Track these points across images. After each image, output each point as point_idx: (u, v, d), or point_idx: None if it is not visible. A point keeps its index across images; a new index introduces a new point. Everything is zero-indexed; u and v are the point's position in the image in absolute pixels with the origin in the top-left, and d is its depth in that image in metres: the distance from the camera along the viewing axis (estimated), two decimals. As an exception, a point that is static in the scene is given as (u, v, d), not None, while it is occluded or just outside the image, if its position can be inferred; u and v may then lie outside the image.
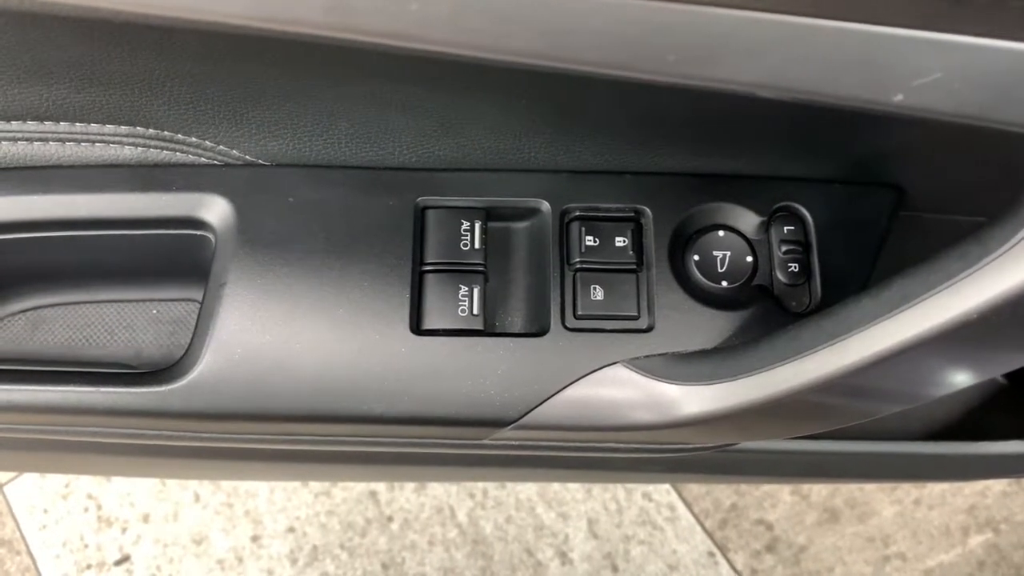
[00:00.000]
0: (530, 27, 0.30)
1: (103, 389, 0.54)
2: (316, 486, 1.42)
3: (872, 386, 0.48)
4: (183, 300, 0.62)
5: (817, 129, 0.55)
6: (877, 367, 0.44)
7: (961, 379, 0.49)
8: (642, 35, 0.30)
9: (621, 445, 0.58)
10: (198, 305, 0.58)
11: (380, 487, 1.43)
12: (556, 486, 1.43)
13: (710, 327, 0.54)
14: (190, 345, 0.54)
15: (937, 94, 0.31)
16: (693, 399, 0.51)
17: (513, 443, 0.56)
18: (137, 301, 0.62)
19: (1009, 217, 0.40)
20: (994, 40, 0.30)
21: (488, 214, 0.56)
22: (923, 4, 0.28)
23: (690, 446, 0.61)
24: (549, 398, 0.53)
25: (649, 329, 0.54)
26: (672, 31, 0.30)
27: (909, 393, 0.51)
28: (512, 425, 0.53)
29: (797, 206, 0.56)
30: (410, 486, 1.43)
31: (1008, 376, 0.94)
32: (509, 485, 1.43)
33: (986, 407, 0.90)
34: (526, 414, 0.53)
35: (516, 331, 0.55)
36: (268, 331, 0.53)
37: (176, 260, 0.58)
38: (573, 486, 1.43)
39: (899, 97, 0.31)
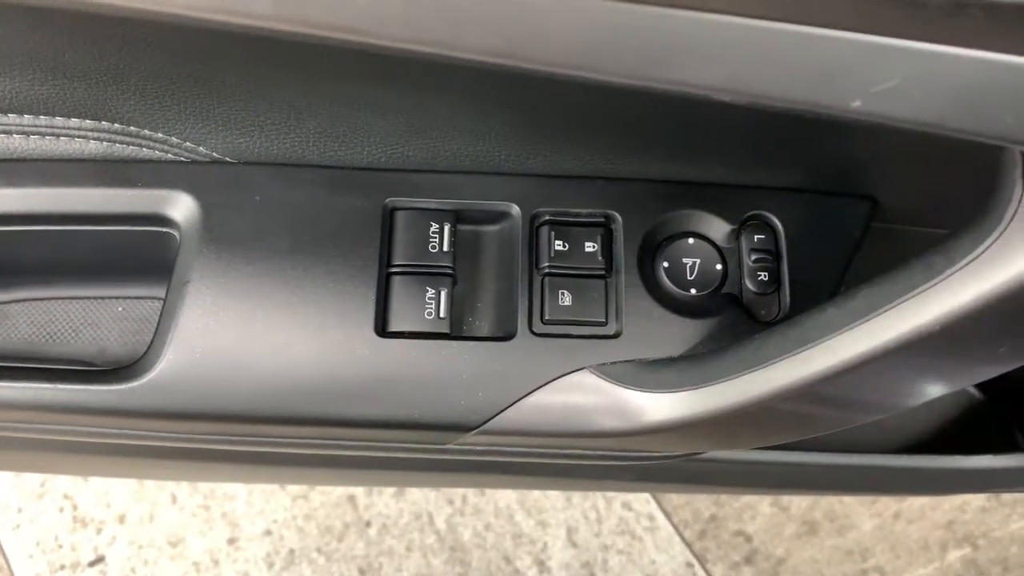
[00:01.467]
0: (485, 24, 0.30)
1: (62, 386, 0.53)
2: (294, 489, 1.41)
3: (838, 396, 0.48)
4: (149, 298, 0.61)
5: (787, 137, 0.55)
6: (842, 377, 0.44)
7: (929, 390, 0.48)
8: (598, 35, 0.30)
9: (588, 452, 0.57)
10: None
11: (359, 491, 1.42)
12: (536, 494, 1.43)
13: (678, 334, 0.53)
14: (151, 343, 0.53)
15: (895, 101, 0.31)
16: (659, 406, 0.51)
17: (479, 448, 0.56)
18: (102, 298, 0.61)
19: (973, 229, 0.40)
20: (952, 47, 0.29)
21: (458, 217, 0.55)
22: (881, 9, 0.28)
23: (658, 454, 0.60)
24: (514, 403, 0.52)
25: (617, 335, 0.53)
26: (629, 32, 0.30)
27: (876, 403, 0.51)
28: (477, 430, 0.53)
29: (768, 215, 0.56)
30: (389, 491, 1.42)
31: (984, 390, 0.94)
32: (488, 492, 1.42)
33: (964, 421, 0.90)
34: (491, 419, 0.52)
35: (483, 335, 0.54)
36: (231, 330, 0.53)
37: (141, 257, 0.58)
38: (553, 494, 1.43)
39: (857, 103, 0.31)
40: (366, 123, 0.54)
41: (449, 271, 0.54)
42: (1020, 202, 0.38)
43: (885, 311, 0.41)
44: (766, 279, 0.55)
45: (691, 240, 0.55)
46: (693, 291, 0.55)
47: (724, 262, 0.55)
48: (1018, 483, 0.79)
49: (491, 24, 0.30)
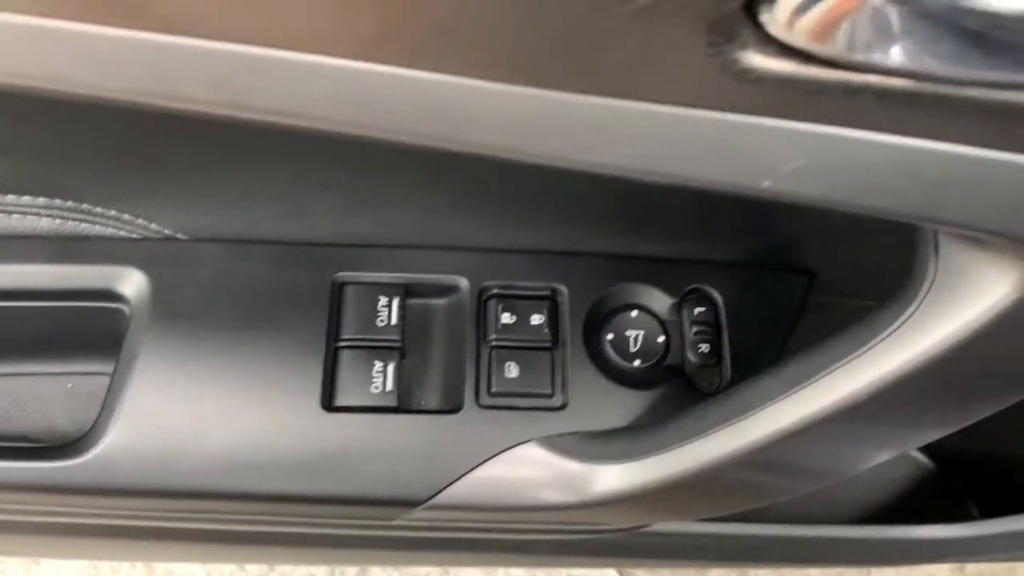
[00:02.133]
0: (423, 113, 0.31)
1: (6, 464, 0.53)
2: (255, 570, 1.38)
3: (778, 463, 0.49)
4: (99, 374, 0.61)
5: (727, 213, 0.57)
6: (778, 444, 0.45)
7: (867, 456, 0.49)
8: (517, 120, 0.31)
9: (539, 526, 0.58)
10: None
11: (320, 572, 1.39)
12: (501, 572, 1.40)
13: (623, 406, 0.54)
14: (97, 419, 0.53)
15: (804, 181, 0.32)
16: (604, 478, 0.51)
17: (429, 524, 0.56)
18: (51, 374, 0.61)
19: (893, 302, 0.41)
20: (851, 130, 0.31)
21: (407, 290, 0.56)
22: (784, 95, 0.30)
23: (609, 527, 0.60)
24: (461, 477, 0.52)
25: (563, 407, 0.54)
26: (549, 117, 0.31)
27: (817, 470, 0.51)
28: (424, 505, 0.53)
29: (709, 288, 0.57)
30: (352, 571, 1.39)
31: (937, 459, 0.95)
32: (452, 571, 1.40)
33: (918, 491, 0.91)
34: (438, 493, 0.52)
35: (430, 408, 0.54)
36: (178, 405, 0.53)
37: (92, 333, 0.58)
38: (518, 571, 1.41)
39: (767, 183, 0.32)
40: (316, 200, 0.55)
41: (397, 344, 0.54)
42: (934, 277, 0.39)
43: (816, 380, 0.43)
44: (707, 351, 0.56)
45: (635, 313, 0.57)
46: (637, 363, 0.56)
47: (667, 334, 0.57)
48: (973, 552, 0.79)
49: (425, 114, 0.31)
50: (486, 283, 0.56)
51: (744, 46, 0.28)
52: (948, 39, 0.27)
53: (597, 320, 0.56)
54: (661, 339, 0.56)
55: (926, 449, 0.95)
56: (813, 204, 0.34)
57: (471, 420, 0.53)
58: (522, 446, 0.53)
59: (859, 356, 0.41)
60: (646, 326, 0.57)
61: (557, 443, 0.53)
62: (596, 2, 0.27)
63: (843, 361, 0.41)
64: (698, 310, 0.57)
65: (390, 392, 0.53)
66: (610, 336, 0.56)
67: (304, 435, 0.52)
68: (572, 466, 0.52)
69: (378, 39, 0.29)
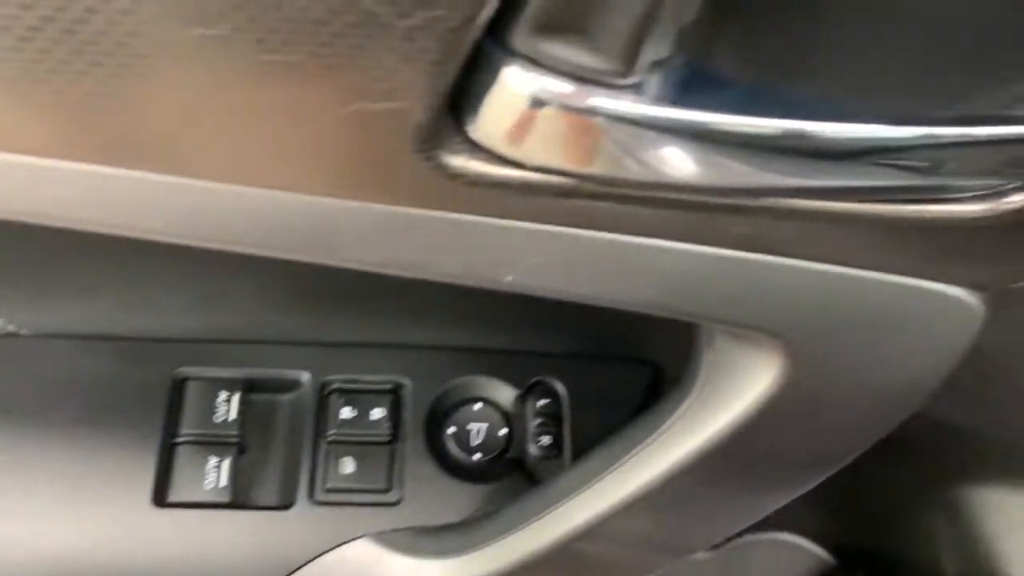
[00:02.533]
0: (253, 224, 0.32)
1: None
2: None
3: (601, 547, 0.49)
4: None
5: (568, 304, 0.58)
6: (588, 534, 0.45)
7: (691, 538, 0.49)
8: (260, 222, 0.32)
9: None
10: None
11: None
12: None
13: (461, 500, 0.54)
14: None
15: (546, 276, 0.34)
16: (432, 573, 0.51)
17: None
18: None
19: (676, 392, 0.42)
20: (578, 230, 0.32)
21: (249, 385, 0.56)
22: (505, 195, 0.31)
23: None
24: (291, 575, 0.52)
25: (399, 502, 0.54)
26: (289, 219, 0.32)
27: (650, 549, 0.51)
28: (254, 604, 0.52)
29: (553, 380, 0.58)
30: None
31: (837, 554, 0.95)
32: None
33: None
34: (267, 591, 0.52)
35: (264, 504, 0.54)
36: (10, 504, 0.52)
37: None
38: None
39: (510, 278, 0.34)
40: (159, 294, 0.56)
41: (235, 440, 0.54)
42: (708, 369, 0.40)
43: (614, 469, 0.43)
44: (549, 443, 0.56)
45: (478, 405, 0.57)
46: (478, 456, 0.56)
47: (510, 427, 0.57)
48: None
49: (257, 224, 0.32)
50: (329, 377, 0.57)
51: (453, 151, 0.29)
52: (637, 144, 0.29)
53: (440, 413, 0.57)
54: (503, 432, 0.57)
55: (827, 545, 0.95)
56: (566, 298, 0.35)
57: (303, 516, 0.53)
58: (354, 542, 0.52)
59: (647, 447, 0.42)
60: (489, 419, 0.57)
61: (389, 539, 0.52)
62: (317, 104, 0.28)
63: (634, 452, 0.42)
64: (542, 402, 0.57)
65: (224, 488, 0.53)
66: (452, 430, 0.56)
67: (135, 533, 0.52)
68: (402, 562, 0.52)
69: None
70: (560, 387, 0.58)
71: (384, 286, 0.57)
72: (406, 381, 0.57)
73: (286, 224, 0.32)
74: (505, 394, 0.58)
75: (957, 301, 0.36)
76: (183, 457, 0.54)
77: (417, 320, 0.58)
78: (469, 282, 0.34)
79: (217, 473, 0.53)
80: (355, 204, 0.31)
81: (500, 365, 0.58)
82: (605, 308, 0.58)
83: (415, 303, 0.58)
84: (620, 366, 0.59)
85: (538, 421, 0.57)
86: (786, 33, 0.31)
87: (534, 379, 0.58)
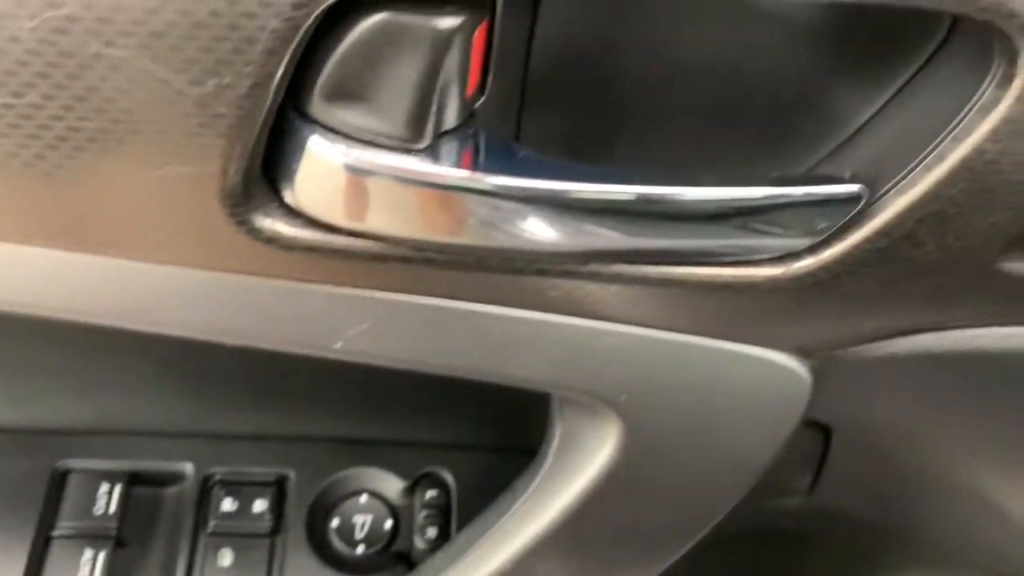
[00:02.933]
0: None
1: None
2: None
3: None
4: None
5: (455, 394, 0.58)
6: None
7: None
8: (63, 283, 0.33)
9: None
10: None
11: None
12: None
13: (341, 593, 0.53)
14: None
15: (371, 343, 0.35)
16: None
17: None
18: None
19: (532, 465, 0.43)
20: (401, 295, 0.34)
21: (132, 478, 0.55)
22: (348, 265, 0.32)
23: None
24: (160, 672, 0.50)
25: None
26: (96, 280, 0.33)
27: None
28: None
29: (442, 471, 0.58)
30: None
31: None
32: None
33: None
34: None
35: None
36: None
37: None
38: None
39: (339, 344, 0.35)
40: (40, 385, 0.56)
41: (112, 533, 0.53)
42: (559, 439, 0.41)
43: (475, 549, 0.43)
44: (435, 535, 0.56)
45: (364, 497, 0.57)
46: (361, 549, 0.55)
47: (396, 519, 0.56)
48: None
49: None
50: (212, 469, 0.56)
51: (268, 215, 0.31)
52: (440, 211, 0.30)
53: (324, 505, 0.56)
54: (389, 524, 0.56)
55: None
56: (397, 366, 0.36)
57: None
58: (227, 637, 0.51)
59: (503, 523, 0.42)
60: (374, 511, 0.56)
61: (263, 633, 0.51)
62: (128, 169, 0.29)
63: (492, 529, 0.42)
64: (430, 493, 0.57)
65: None
66: (336, 522, 0.56)
67: (-2, 631, 0.50)
68: (276, 657, 0.50)
69: None
70: (449, 478, 0.58)
71: (270, 375, 0.57)
72: (290, 473, 0.56)
73: (111, 290, 0.33)
74: (392, 486, 0.57)
75: (782, 367, 0.37)
76: (57, 551, 0.52)
77: (303, 410, 0.58)
78: (299, 350, 0.35)
79: (91, 567, 0.52)
80: (178, 270, 0.32)
81: (387, 456, 0.58)
82: (493, 397, 0.59)
83: (301, 393, 0.58)
84: (510, 456, 0.59)
85: (425, 513, 0.56)
86: (577, 109, 0.33)
87: (423, 470, 0.58)
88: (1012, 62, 0.26)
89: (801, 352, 0.37)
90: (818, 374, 0.38)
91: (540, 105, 0.33)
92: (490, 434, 0.60)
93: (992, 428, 0.45)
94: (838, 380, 0.39)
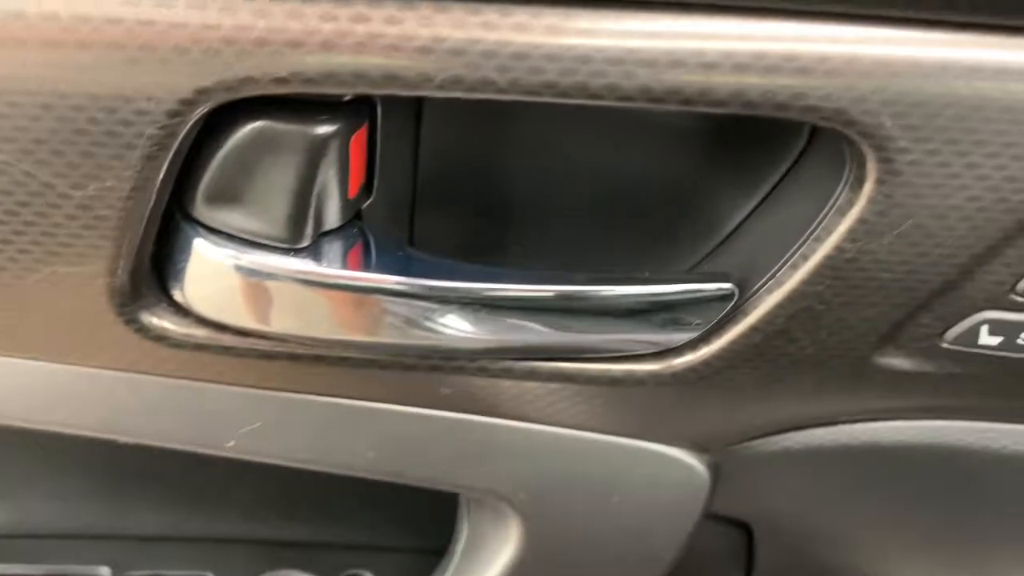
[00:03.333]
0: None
1: None
2: None
3: None
4: None
5: (384, 496, 0.58)
6: None
7: None
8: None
9: None
10: None
11: None
12: None
13: None
14: None
15: (263, 441, 0.35)
16: None
17: None
18: None
19: (444, 559, 0.42)
20: (292, 393, 0.34)
21: (44, 583, 0.54)
22: (215, 358, 0.33)
23: None
24: None
25: None
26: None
27: None
28: None
29: (363, 573, 0.57)
30: None
31: None
32: None
33: None
34: None
35: None
36: None
37: None
38: None
39: (231, 442, 0.35)
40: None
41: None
42: (466, 541, 0.41)
43: None
44: (355, 637, 0.54)
45: (284, 600, 0.55)
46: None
47: (316, 622, 0.55)
48: None
49: None
50: (129, 572, 0.55)
51: (157, 314, 0.31)
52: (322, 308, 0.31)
53: (243, 608, 0.55)
54: (308, 627, 0.55)
55: None
56: (290, 464, 0.36)
57: None
58: None
59: None
60: (295, 613, 0.55)
61: None
62: (14, 269, 0.30)
63: None
64: (352, 595, 0.56)
65: None
66: (254, 624, 0.54)
67: None
68: None
69: None
70: (371, 579, 0.57)
71: (189, 475, 0.57)
72: (209, 575, 0.55)
73: (3, 389, 0.33)
74: (313, 588, 0.56)
75: (678, 462, 0.38)
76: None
77: (222, 511, 0.57)
78: (193, 448, 0.35)
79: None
80: (70, 368, 0.33)
81: (307, 558, 0.57)
82: (414, 498, 0.59)
83: (220, 493, 0.57)
84: (432, 557, 0.58)
85: (345, 614, 0.55)
86: (469, 212, 0.34)
87: (345, 572, 0.57)
88: (862, 166, 0.28)
89: (697, 447, 0.38)
90: (718, 469, 0.38)
91: (432, 208, 0.34)
92: (412, 535, 0.59)
93: (894, 521, 0.45)
94: (741, 475, 0.40)
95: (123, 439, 0.35)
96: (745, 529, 0.51)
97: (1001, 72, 0.26)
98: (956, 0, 0.25)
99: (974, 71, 0.26)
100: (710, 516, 0.44)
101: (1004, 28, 0.26)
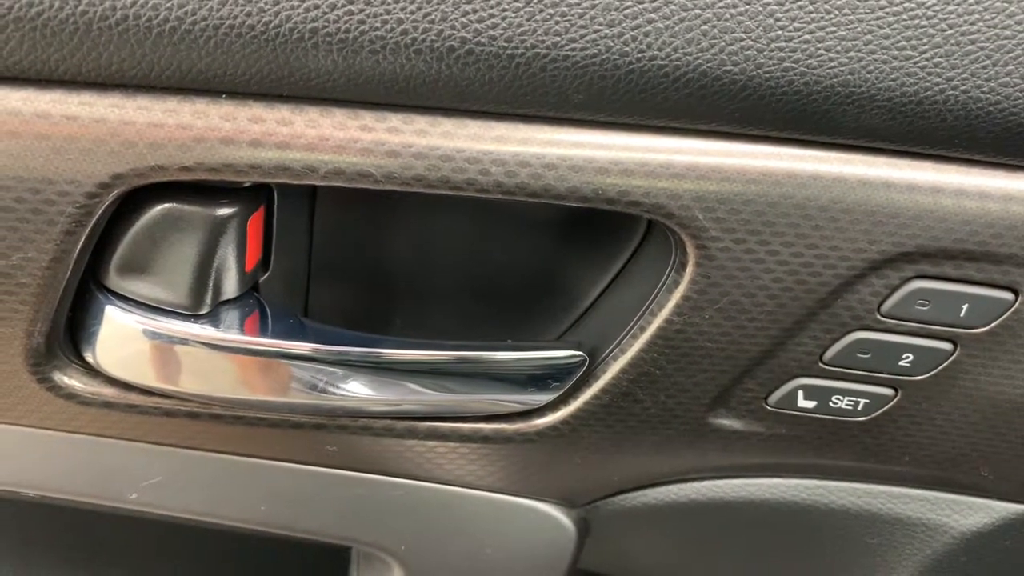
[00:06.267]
0: None
1: None
2: None
3: None
4: None
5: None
6: None
7: None
8: None
9: None
10: None
11: None
12: None
13: None
14: None
15: (163, 494, 0.38)
16: None
17: None
18: None
19: None
20: (190, 450, 0.37)
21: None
22: (122, 416, 0.36)
23: None
24: None
25: None
26: None
27: None
28: None
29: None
30: None
31: None
32: None
33: None
34: None
35: None
36: None
37: None
38: None
39: (134, 495, 0.38)
40: None
41: None
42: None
43: None
44: None
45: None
46: None
47: None
48: None
49: None
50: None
51: (68, 373, 0.34)
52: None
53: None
54: None
55: None
56: (187, 520, 0.39)
57: None
58: None
59: None
60: None
61: None
62: None
63: None
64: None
65: None
66: None
67: None
68: None
69: None
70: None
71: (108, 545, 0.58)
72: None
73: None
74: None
75: (547, 516, 0.42)
76: None
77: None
78: (96, 501, 0.38)
79: None
80: (-18, 425, 0.35)
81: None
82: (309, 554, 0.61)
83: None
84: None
85: None
86: (359, 287, 0.39)
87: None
88: (683, 252, 0.33)
89: (564, 502, 0.42)
90: (587, 524, 0.42)
91: (325, 282, 0.38)
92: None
93: (749, 574, 0.49)
94: (608, 531, 0.44)
95: (28, 492, 0.37)
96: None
97: (792, 176, 0.32)
98: (752, 118, 0.31)
99: (766, 175, 0.32)
100: (586, 573, 0.48)
101: (794, 141, 0.32)
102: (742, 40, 0.29)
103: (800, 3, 0.29)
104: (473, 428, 0.37)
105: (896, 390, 0.37)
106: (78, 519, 0.43)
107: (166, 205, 0.31)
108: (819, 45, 0.29)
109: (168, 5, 0.27)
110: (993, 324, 0.35)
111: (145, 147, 0.29)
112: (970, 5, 0.29)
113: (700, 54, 0.29)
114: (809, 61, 0.29)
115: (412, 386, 0.36)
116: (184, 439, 0.37)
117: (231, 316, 0.34)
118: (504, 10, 0.28)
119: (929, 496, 0.44)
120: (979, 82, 0.30)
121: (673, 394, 0.37)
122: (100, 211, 0.30)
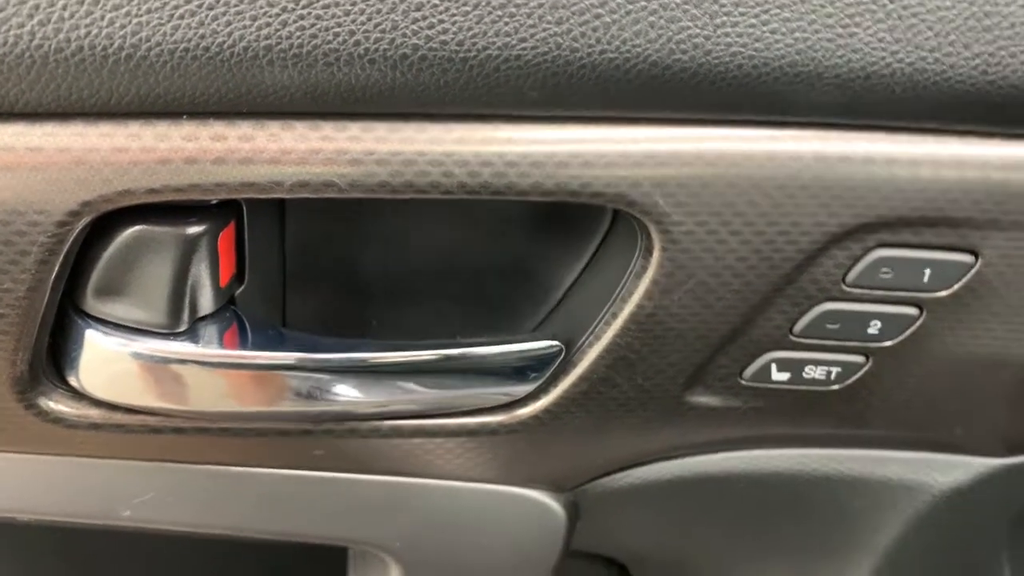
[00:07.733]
0: None
1: None
2: None
3: None
4: None
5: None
6: None
7: None
8: None
9: None
10: None
11: None
12: None
13: None
14: None
15: (156, 508, 0.38)
16: None
17: None
18: None
19: None
20: (178, 464, 0.38)
21: None
22: (112, 436, 0.36)
23: None
24: None
25: None
26: None
27: None
28: None
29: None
30: None
31: None
32: None
33: None
34: None
35: None
36: None
37: None
38: None
39: (127, 512, 0.38)
40: None
41: None
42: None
43: None
44: None
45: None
46: None
47: None
48: None
49: None
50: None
51: (54, 398, 0.35)
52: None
53: None
54: None
55: None
56: (185, 532, 0.40)
57: None
58: None
59: None
60: None
61: None
62: None
63: None
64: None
65: None
66: None
67: None
68: None
69: None
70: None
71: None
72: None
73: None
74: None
75: (537, 503, 0.42)
76: None
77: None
78: (90, 520, 0.38)
79: None
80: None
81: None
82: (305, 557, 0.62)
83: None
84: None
85: None
86: (335, 294, 0.39)
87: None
88: (649, 238, 0.34)
89: (553, 487, 0.43)
90: (576, 508, 0.43)
91: (301, 291, 0.39)
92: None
93: (741, 546, 0.50)
94: (599, 513, 0.44)
95: (23, 517, 0.38)
96: (621, 569, 0.55)
97: (748, 157, 0.33)
98: (705, 103, 0.31)
99: (722, 157, 0.32)
100: (583, 555, 0.49)
101: (748, 122, 0.32)
102: (689, 28, 0.30)
103: None
104: (458, 423, 0.38)
105: (867, 357, 0.38)
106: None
107: (137, 228, 0.32)
108: (764, 28, 0.30)
109: (122, 33, 0.27)
110: (956, 287, 0.36)
111: (111, 173, 0.29)
112: (908, -20, 0.30)
113: (649, 45, 0.30)
114: (756, 44, 0.30)
115: (395, 387, 0.36)
116: (173, 454, 0.37)
117: (209, 331, 0.35)
118: (453, 15, 0.28)
119: (909, 457, 0.45)
120: (923, 53, 0.31)
121: (650, 376, 0.38)
122: (72, 238, 0.30)
